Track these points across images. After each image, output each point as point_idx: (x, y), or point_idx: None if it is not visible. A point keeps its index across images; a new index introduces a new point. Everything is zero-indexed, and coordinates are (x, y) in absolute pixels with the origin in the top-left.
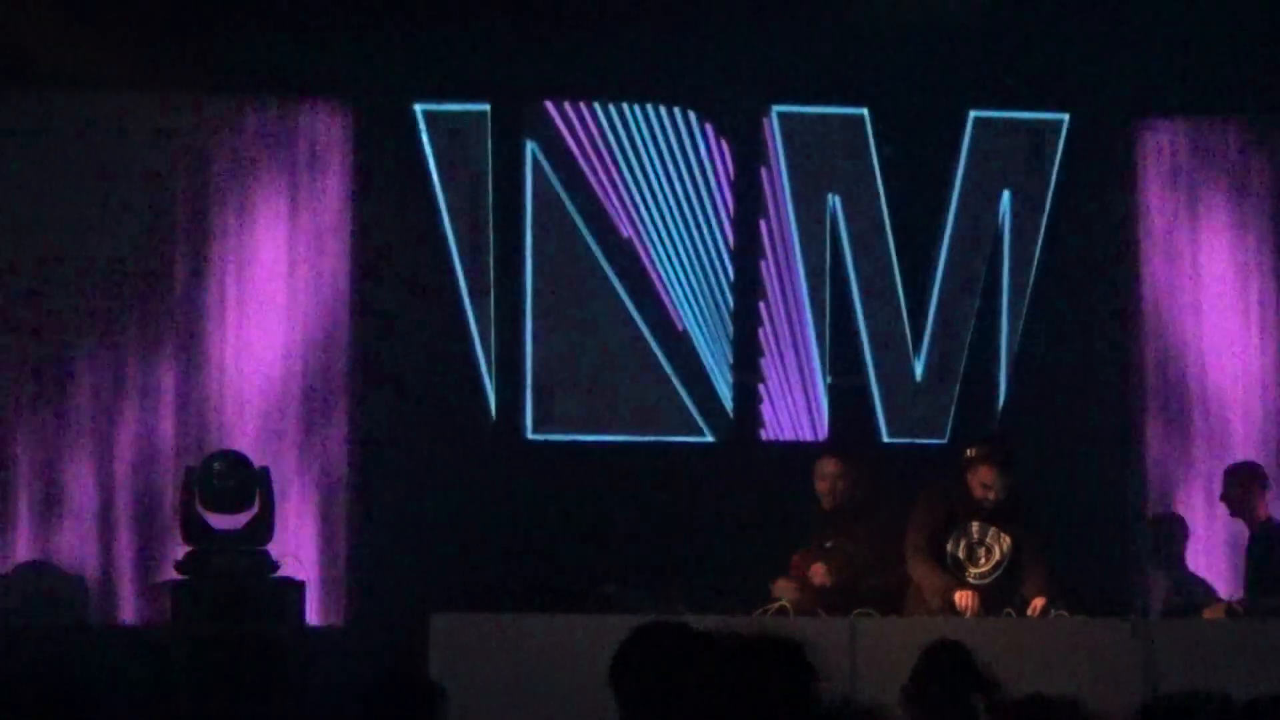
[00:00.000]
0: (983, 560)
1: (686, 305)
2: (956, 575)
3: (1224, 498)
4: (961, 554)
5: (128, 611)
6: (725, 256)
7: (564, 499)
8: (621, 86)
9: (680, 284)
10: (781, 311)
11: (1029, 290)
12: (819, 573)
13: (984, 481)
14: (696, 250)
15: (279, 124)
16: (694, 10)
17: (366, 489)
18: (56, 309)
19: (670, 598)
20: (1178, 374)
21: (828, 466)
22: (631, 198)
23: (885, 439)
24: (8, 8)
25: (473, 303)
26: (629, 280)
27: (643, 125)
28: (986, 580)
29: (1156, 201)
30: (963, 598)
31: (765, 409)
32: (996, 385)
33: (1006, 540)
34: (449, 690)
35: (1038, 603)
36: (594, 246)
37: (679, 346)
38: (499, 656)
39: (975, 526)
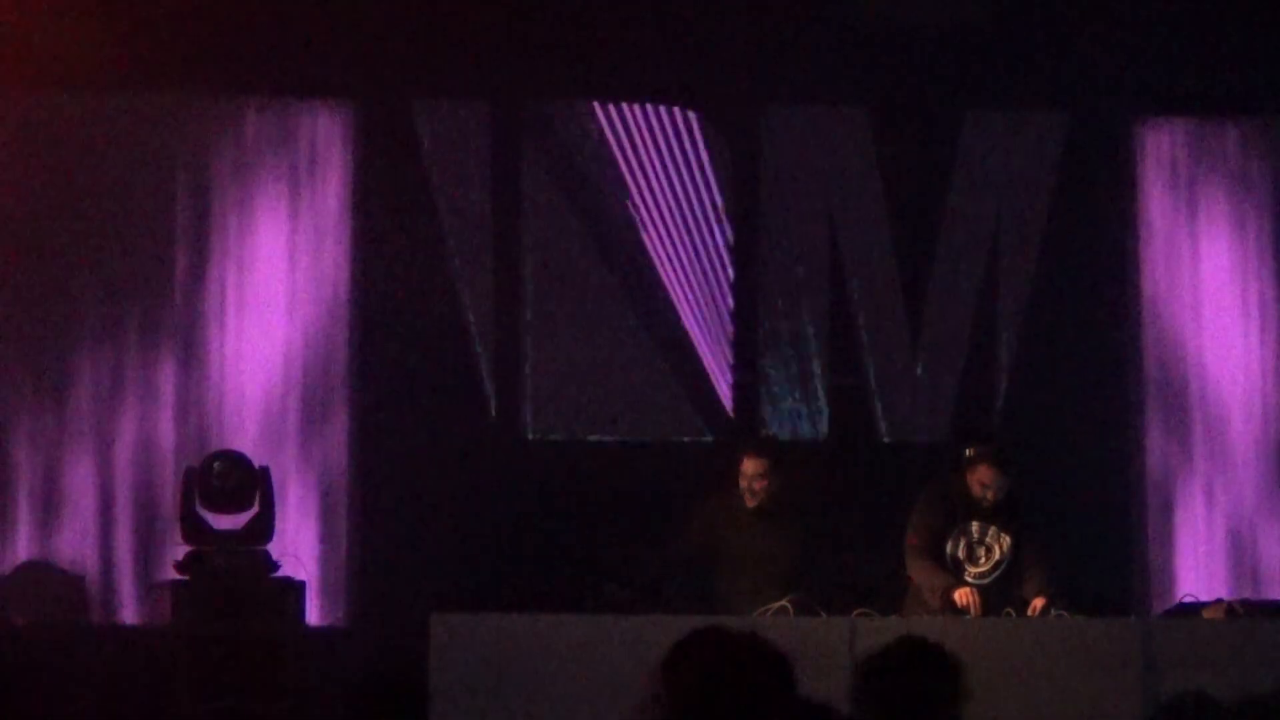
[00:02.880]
0: (982, 560)
1: (686, 305)
2: (956, 575)
3: None
4: (961, 554)
5: (128, 611)
6: (725, 256)
7: (564, 499)
8: (621, 86)
9: (680, 284)
10: (781, 311)
11: (1029, 290)
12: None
13: (983, 481)
14: (696, 250)
15: (279, 124)
16: (693, 10)
17: (366, 489)
18: (56, 309)
19: (670, 598)
20: (1177, 374)
21: (750, 466)
22: (631, 198)
23: (885, 438)
24: (7, 8)
25: (472, 302)
26: (629, 280)
27: (642, 125)
28: (986, 580)
29: (1156, 201)
30: (963, 595)
31: (765, 409)
32: (996, 385)
33: (1006, 540)
34: (448, 690)
35: (1038, 603)
36: (594, 246)
37: (679, 346)
38: (499, 656)
39: (975, 526)
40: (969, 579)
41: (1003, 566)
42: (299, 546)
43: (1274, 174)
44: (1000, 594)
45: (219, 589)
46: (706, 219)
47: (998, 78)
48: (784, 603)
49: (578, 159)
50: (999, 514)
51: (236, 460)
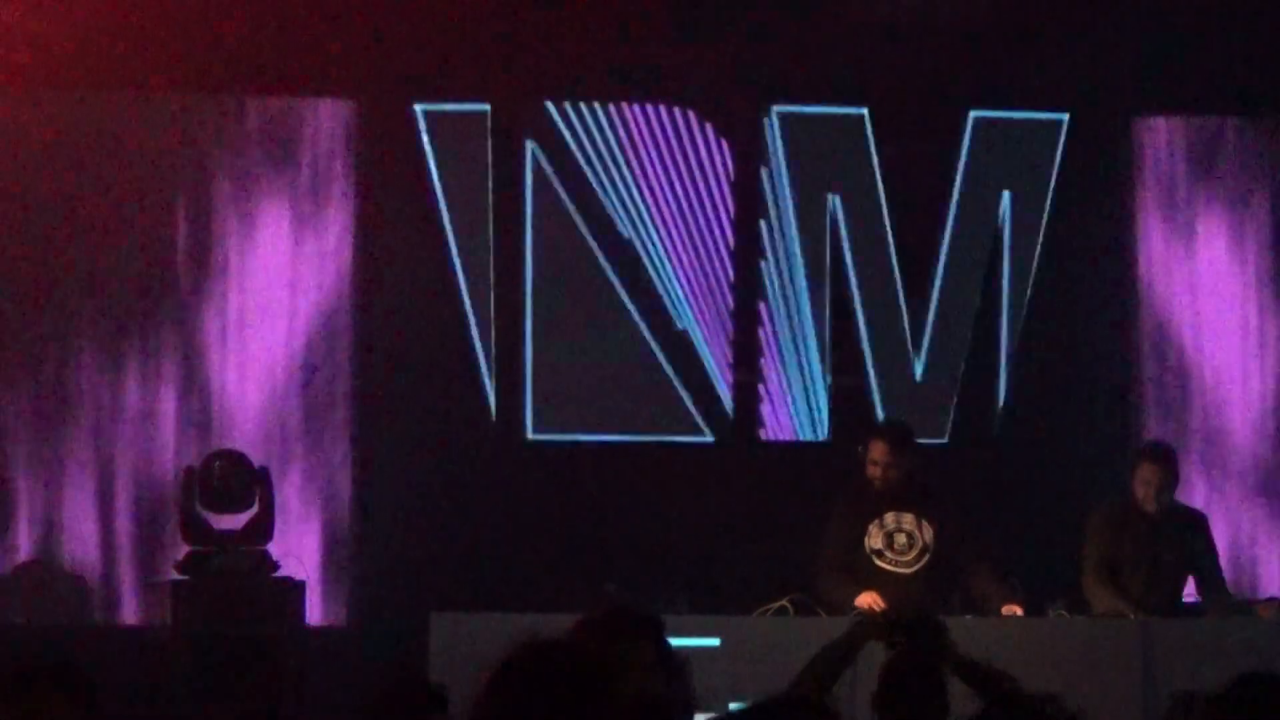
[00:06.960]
0: (904, 548)
1: (686, 305)
2: (874, 568)
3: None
4: (880, 544)
5: (128, 611)
6: (725, 256)
7: (564, 499)
8: (621, 86)
9: (680, 284)
10: (781, 311)
11: (1029, 290)
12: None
13: (874, 458)
14: (696, 250)
15: (280, 124)
16: (694, 10)
17: (366, 489)
18: (57, 307)
19: (670, 598)
20: (1177, 373)
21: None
22: (631, 198)
23: None
24: (7, 9)
25: (473, 303)
26: (629, 280)
27: (643, 125)
28: (912, 569)
29: (1156, 201)
30: (865, 599)
31: (765, 409)
32: (996, 385)
33: (929, 530)
34: (449, 690)
35: (1016, 609)
36: (594, 246)
37: (679, 346)
38: (499, 656)
39: (890, 516)
40: (892, 568)
41: (928, 557)
42: (299, 546)
43: (1272, 173)
44: (928, 587)
45: (219, 589)
46: (707, 219)
47: (998, 77)
48: (784, 602)
49: (578, 159)
50: (914, 502)
51: (236, 460)
